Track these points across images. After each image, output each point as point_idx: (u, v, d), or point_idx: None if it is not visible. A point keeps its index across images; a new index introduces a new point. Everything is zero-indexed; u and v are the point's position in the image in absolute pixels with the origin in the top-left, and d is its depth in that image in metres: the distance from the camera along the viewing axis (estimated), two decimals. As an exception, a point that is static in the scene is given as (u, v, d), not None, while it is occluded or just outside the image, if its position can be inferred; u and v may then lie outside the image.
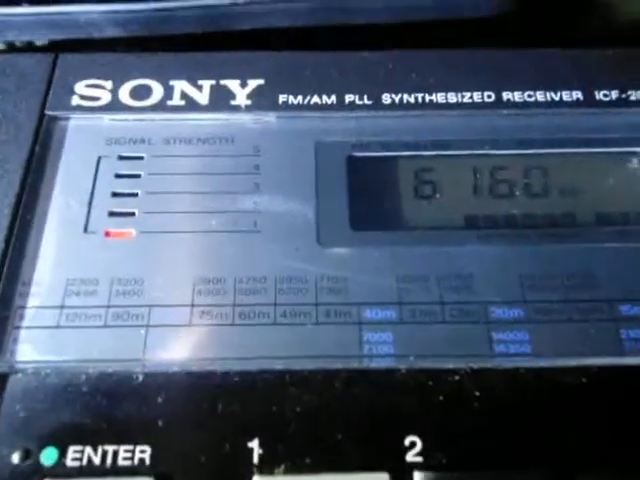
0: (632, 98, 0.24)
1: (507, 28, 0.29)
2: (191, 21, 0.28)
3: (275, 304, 0.20)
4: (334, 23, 0.29)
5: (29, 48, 0.27)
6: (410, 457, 0.17)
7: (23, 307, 0.19)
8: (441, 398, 0.18)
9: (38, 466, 0.17)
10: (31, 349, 0.19)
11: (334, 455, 0.17)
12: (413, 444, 0.17)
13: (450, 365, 0.19)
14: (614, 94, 0.24)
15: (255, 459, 0.17)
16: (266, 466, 0.17)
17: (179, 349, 0.19)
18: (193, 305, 0.19)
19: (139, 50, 0.25)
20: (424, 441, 0.17)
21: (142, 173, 0.22)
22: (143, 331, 0.19)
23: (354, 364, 0.19)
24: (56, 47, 0.27)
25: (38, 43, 0.28)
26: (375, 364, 0.19)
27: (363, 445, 0.17)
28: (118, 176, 0.22)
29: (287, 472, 0.17)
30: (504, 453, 0.17)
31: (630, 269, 0.21)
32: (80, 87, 0.24)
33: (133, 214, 0.21)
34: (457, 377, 0.18)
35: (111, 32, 0.28)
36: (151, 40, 0.27)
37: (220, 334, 0.19)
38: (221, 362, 0.18)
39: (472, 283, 0.20)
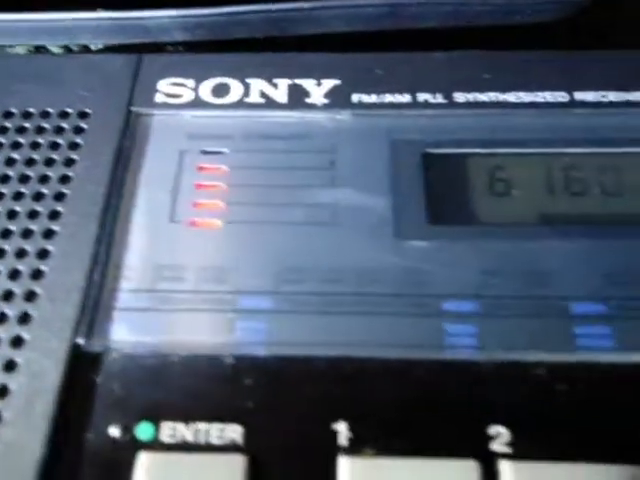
0: None
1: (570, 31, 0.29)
2: (256, 25, 0.29)
3: (356, 294, 0.20)
4: (400, 27, 0.30)
5: (85, 51, 0.29)
6: (497, 446, 0.17)
7: (115, 290, 0.20)
8: (527, 391, 0.18)
9: (135, 440, 0.17)
10: (125, 330, 0.19)
11: (421, 441, 0.17)
12: (499, 434, 0.17)
13: (534, 358, 0.19)
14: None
15: (342, 441, 0.17)
16: (353, 448, 0.17)
17: (265, 333, 0.19)
18: (277, 293, 0.20)
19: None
20: (511, 432, 0.17)
21: (224, 167, 0.23)
22: (230, 316, 0.19)
23: (437, 354, 0.19)
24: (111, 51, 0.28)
25: (92, 47, 0.29)
26: (458, 355, 0.19)
27: (451, 433, 0.17)
28: (201, 169, 0.23)
29: (373, 454, 0.17)
30: (591, 446, 0.17)
31: None
32: (163, 85, 0.24)
33: (217, 205, 0.22)
34: (542, 370, 0.18)
35: (179, 36, 0.29)
36: (214, 44, 0.29)
37: (304, 321, 0.19)
38: (305, 347, 0.19)
39: (552, 278, 0.20)
